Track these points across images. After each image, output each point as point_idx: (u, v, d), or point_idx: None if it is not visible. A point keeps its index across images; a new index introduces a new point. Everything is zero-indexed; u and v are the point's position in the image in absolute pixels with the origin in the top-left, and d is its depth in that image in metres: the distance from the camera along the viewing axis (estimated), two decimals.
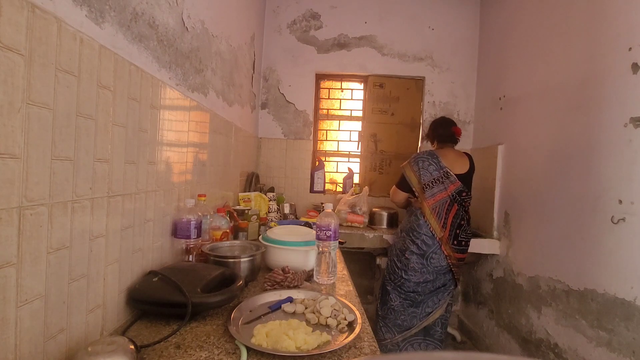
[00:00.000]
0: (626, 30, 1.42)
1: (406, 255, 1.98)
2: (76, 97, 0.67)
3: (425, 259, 1.95)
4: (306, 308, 0.97)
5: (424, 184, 1.97)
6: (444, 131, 2.11)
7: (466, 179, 1.99)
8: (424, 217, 1.97)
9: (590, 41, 1.62)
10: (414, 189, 2.03)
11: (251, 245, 1.28)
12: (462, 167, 2.00)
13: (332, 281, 1.22)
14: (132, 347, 0.62)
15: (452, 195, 1.95)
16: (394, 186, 2.13)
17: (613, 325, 1.39)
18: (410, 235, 2.00)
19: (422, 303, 2.01)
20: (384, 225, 2.56)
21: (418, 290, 1.99)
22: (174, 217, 1.14)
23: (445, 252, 1.94)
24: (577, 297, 1.59)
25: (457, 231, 1.96)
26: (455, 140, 2.11)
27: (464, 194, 1.96)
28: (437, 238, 1.94)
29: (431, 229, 1.95)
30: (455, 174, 1.96)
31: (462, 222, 1.97)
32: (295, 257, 1.27)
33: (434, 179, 1.96)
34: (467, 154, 2.09)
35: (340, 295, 1.10)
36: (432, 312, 2.00)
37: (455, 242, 1.95)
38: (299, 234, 1.37)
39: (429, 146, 3.07)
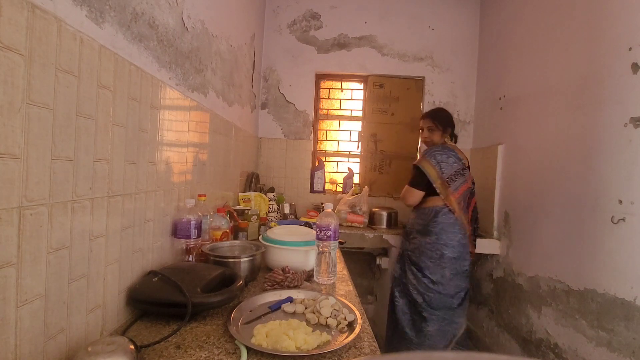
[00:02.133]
0: (626, 30, 1.42)
1: (442, 263, 1.78)
2: (76, 97, 0.67)
3: (461, 261, 1.81)
4: (306, 308, 0.97)
5: (448, 178, 1.84)
6: (453, 129, 2.05)
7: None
8: (453, 213, 1.81)
9: (590, 41, 1.62)
10: (434, 185, 1.85)
11: (251, 245, 1.28)
12: (467, 161, 2.01)
13: (332, 281, 1.22)
14: (132, 347, 0.62)
15: (472, 187, 1.93)
16: (407, 186, 1.93)
17: (613, 325, 1.39)
18: (443, 237, 1.81)
19: (456, 315, 1.83)
20: (384, 225, 2.56)
21: (453, 303, 1.80)
22: (174, 217, 1.14)
23: (470, 249, 1.87)
24: (577, 297, 1.59)
25: (475, 225, 1.94)
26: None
27: (474, 185, 1.98)
28: (468, 235, 1.85)
29: (462, 226, 1.82)
30: None
31: (478, 216, 1.98)
32: (295, 257, 1.27)
33: (455, 171, 1.86)
34: None
35: (340, 295, 1.10)
36: (461, 320, 1.84)
37: (473, 238, 1.92)
38: (299, 234, 1.36)
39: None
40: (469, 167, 2.00)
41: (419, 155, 1.96)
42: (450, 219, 1.82)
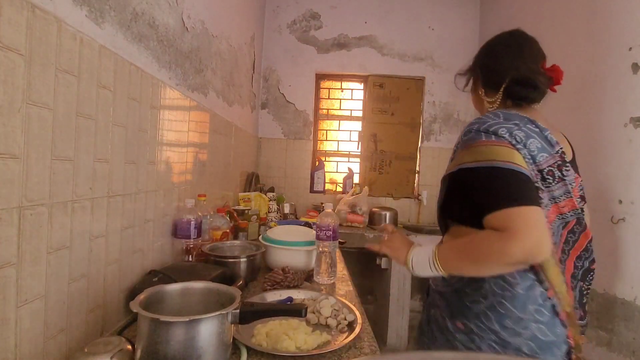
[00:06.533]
0: (626, 30, 1.42)
1: None
2: (76, 97, 0.67)
3: None
4: None
5: (546, 173, 0.80)
6: (531, 67, 0.85)
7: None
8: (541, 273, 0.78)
9: (590, 41, 1.62)
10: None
11: (251, 245, 1.28)
12: (568, 148, 0.90)
13: (332, 281, 1.22)
14: (129, 347, 0.62)
15: (579, 208, 0.86)
16: (508, 209, 0.69)
17: (613, 325, 1.39)
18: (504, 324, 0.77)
19: None
20: None
21: None
22: (174, 217, 1.14)
23: (571, 342, 0.78)
24: None
25: (582, 284, 0.87)
26: (543, 94, 0.88)
27: (584, 202, 0.88)
28: (562, 314, 0.78)
29: (551, 296, 0.78)
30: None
31: (593, 267, 0.89)
32: (295, 257, 1.27)
33: (549, 165, 0.80)
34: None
35: (340, 295, 1.10)
36: None
37: (582, 313, 0.86)
38: (299, 234, 1.36)
39: (431, 145, 3.10)
40: (574, 160, 0.91)
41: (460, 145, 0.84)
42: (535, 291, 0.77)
